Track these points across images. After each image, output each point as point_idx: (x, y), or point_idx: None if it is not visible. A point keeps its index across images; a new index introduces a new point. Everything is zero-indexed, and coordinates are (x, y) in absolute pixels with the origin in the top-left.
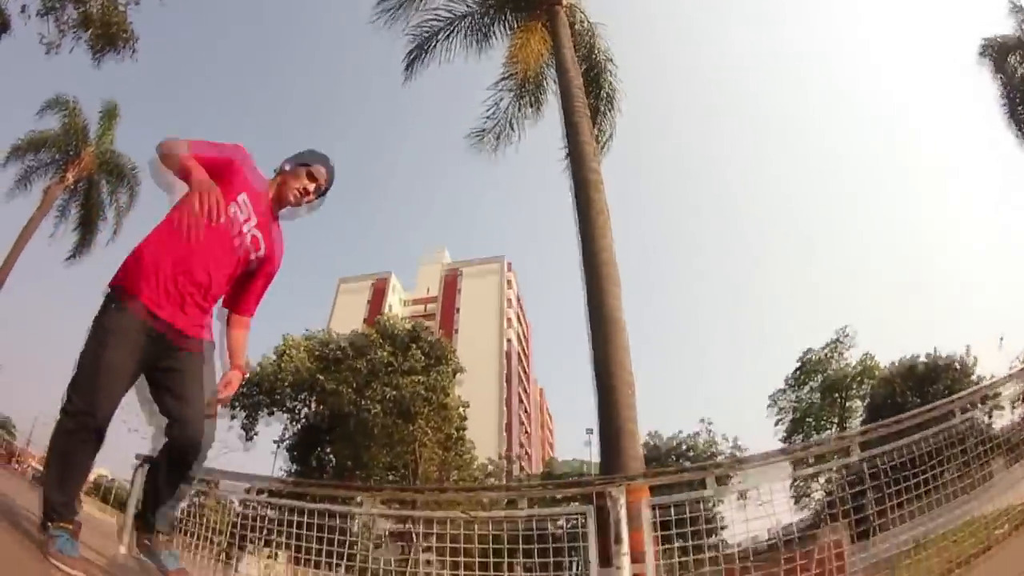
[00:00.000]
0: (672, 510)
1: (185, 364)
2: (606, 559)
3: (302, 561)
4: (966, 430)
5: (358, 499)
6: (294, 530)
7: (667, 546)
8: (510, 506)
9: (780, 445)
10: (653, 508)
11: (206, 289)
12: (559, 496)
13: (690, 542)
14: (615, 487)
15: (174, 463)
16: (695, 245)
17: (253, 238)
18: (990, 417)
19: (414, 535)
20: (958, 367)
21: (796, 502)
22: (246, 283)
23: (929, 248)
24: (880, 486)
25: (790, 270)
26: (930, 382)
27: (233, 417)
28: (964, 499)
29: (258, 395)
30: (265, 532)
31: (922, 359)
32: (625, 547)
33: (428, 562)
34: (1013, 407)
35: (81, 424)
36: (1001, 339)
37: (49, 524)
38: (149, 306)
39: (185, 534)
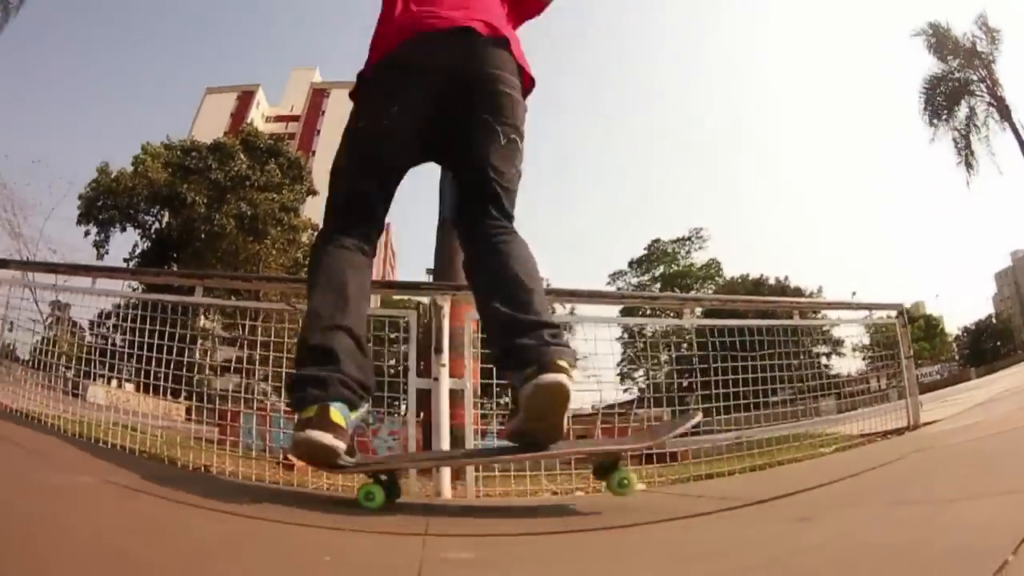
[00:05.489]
0: None
1: None
2: (426, 370)
3: (148, 388)
4: (805, 355)
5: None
6: (139, 352)
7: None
8: None
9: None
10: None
11: None
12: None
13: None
14: (440, 294)
15: None
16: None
17: None
18: (829, 358)
19: (242, 327)
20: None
21: (621, 381)
22: None
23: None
24: (709, 371)
25: (669, 163)
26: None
27: (87, 234)
28: (793, 423)
29: (111, 208)
30: (112, 359)
31: (771, 281)
32: (444, 358)
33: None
34: (854, 352)
35: None
36: (853, 294)
37: None
38: None
39: (35, 366)
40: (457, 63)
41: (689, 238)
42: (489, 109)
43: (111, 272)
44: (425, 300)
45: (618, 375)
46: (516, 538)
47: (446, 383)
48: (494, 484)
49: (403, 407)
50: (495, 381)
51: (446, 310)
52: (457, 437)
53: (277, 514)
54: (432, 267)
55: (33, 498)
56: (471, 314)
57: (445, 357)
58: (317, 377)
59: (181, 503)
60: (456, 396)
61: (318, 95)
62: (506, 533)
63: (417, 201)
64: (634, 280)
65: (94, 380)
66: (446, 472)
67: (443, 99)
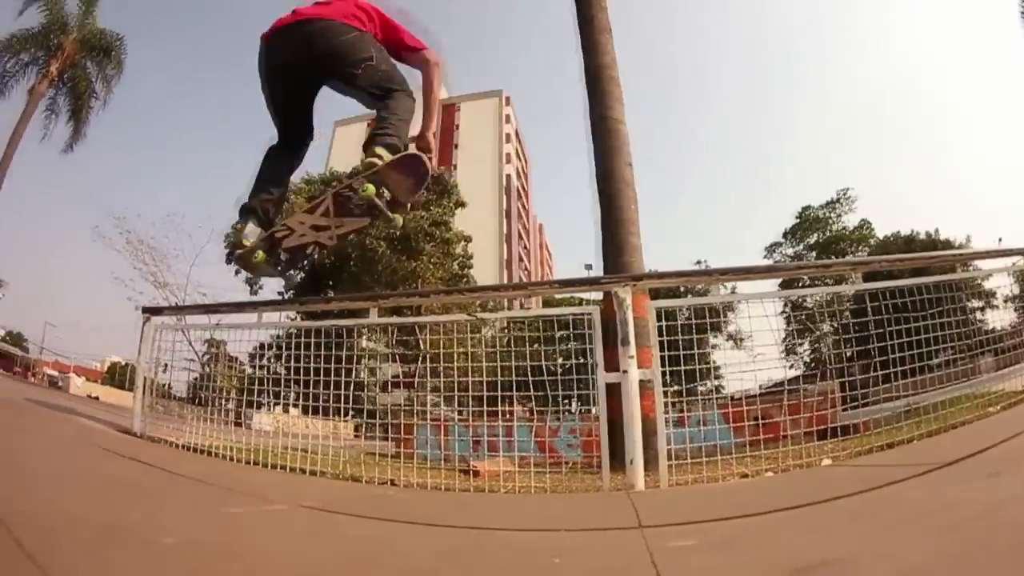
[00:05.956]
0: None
1: None
2: (612, 364)
3: (317, 411)
4: (961, 311)
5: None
6: (304, 377)
7: (665, 353)
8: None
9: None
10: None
11: None
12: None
13: (695, 350)
14: (621, 287)
15: None
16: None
17: None
18: (983, 312)
19: (419, 342)
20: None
21: (787, 355)
22: None
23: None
24: (876, 339)
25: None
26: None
27: (237, 272)
28: (958, 384)
29: None
30: (276, 386)
31: (922, 236)
32: (632, 350)
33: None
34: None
35: None
36: (999, 240)
37: None
38: None
39: (197, 403)
40: (301, 46)
41: (838, 200)
42: (339, 64)
43: (276, 305)
44: (587, 296)
45: (783, 352)
46: (727, 521)
47: (635, 375)
48: (685, 472)
49: (574, 405)
50: (683, 368)
51: (629, 301)
52: (649, 428)
53: (482, 520)
54: (589, 263)
55: (233, 533)
56: (651, 304)
57: (632, 349)
58: (247, 209)
59: (383, 520)
60: (645, 387)
61: (448, 111)
62: (714, 518)
63: (572, 193)
64: (790, 251)
65: (258, 408)
66: (639, 464)
67: (302, 67)
